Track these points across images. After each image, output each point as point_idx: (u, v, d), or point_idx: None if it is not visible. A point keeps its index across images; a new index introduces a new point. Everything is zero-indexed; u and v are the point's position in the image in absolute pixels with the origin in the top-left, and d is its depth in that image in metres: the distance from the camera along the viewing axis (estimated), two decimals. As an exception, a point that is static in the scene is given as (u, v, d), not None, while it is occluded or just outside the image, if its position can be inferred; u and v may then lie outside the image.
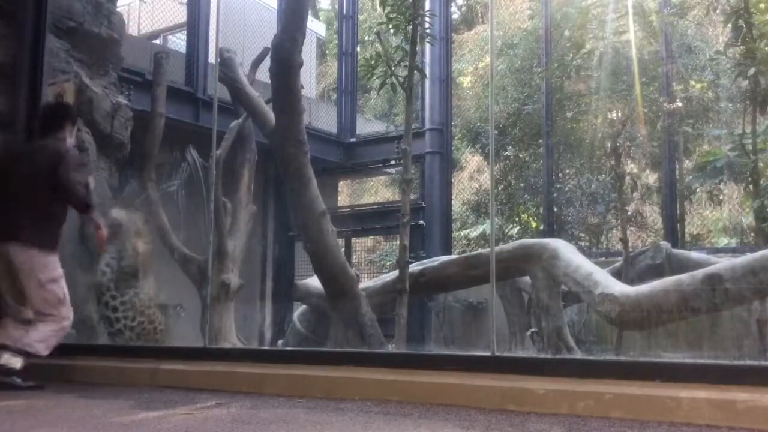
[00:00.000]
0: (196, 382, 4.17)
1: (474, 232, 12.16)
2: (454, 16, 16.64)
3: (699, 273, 5.69)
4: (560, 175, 10.76)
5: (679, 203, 9.54)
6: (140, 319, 6.46)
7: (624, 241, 7.93)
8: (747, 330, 6.23)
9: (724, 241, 10.01)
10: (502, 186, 11.09)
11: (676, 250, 7.57)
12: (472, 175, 13.46)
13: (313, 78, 14.29)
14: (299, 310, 8.22)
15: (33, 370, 4.42)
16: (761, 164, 7.11)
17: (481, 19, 16.17)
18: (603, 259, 8.44)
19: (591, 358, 5.12)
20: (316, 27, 15.15)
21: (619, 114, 8.52)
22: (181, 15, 10.93)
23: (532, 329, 6.95)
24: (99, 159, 6.32)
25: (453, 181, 11.94)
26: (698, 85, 9.64)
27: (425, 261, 8.07)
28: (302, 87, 6.86)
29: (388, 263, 11.96)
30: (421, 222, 10.61)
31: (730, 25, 7.03)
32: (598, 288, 5.96)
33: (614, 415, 2.93)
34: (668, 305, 5.65)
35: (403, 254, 6.44)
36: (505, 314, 7.64)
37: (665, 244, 7.51)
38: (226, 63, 7.72)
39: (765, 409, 2.68)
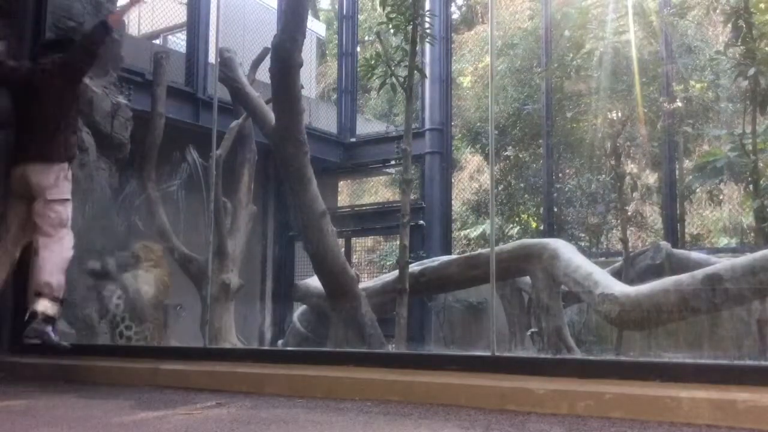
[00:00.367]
0: (196, 382, 4.17)
1: (474, 232, 12.16)
2: (454, 16, 16.65)
3: (699, 273, 5.68)
4: (560, 175, 10.75)
5: (679, 203, 9.54)
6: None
7: (624, 241, 7.93)
8: (747, 330, 6.23)
9: (724, 241, 10.01)
10: (502, 186, 11.09)
11: (676, 250, 7.57)
12: (472, 175, 13.46)
13: (313, 78, 14.29)
14: (299, 310, 8.22)
15: (33, 370, 4.44)
16: (761, 164, 7.11)
17: (481, 19, 16.18)
18: (603, 259, 8.44)
19: (591, 358, 5.12)
20: (316, 27, 15.15)
21: (619, 114, 8.52)
22: (181, 15, 10.93)
23: (532, 329, 6.95)
24: (99, 159, 6.32)
25: (453, 181, 11.93)
26: (698, 85, 9.64)
27: (425, 261, 8.06)
28: (302, 87, 6.86)
29: (388, 263, 11.96)
30: (421, 222, 10.61)
31: (730, 25, 7.03)
32: (598, 288, 5.96)
33: (614, 415, 2.93)
34: (668, 305, 5.65)
35: (403, 254, 6.44)
36: (505, 314, 7.64)
37: (665, 244, 7.51)
38: (226, 63, 7.72)
39: (765, 409, 2.68)
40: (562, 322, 6.59)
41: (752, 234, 8.69)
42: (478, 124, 11.97)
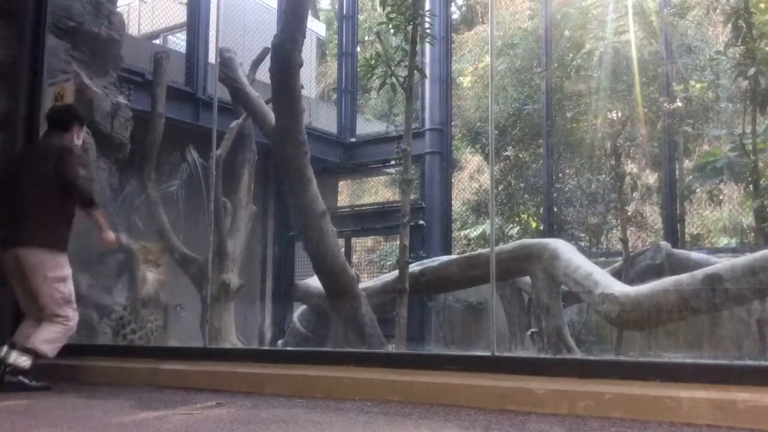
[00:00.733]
0: (196, 382, 4.17)
1: (474, 232, 12.15)
2: (454, 16, 16.65)
3: (699, 273, 5.69)
4: (560, 175, 10.75)
5: (679, 203, 9.54)
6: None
7: (624, 241, 7.93)
8: (747, 330, 6.23)
9: (724, 241, 10.00)
10: (502, 186, 11.08)
11: (676, 250, 7.57)
12: (472, 175, 13.45)
13: (313, 78, 14.28)
14: (299, 310, 8.22)
15: (32, 370, 4.42)
16: (761, 164, 7.11)
17: (481, 19, 16.17)
18: (603, 259, 8.43)
19: (591, 358, 5.12)
20: (316, 27, 15.14)
21: (619, 114, 8.51)
22: (181, 15, 10.93)
23: (532, 329, 6.95)
24: (99, 159, 6.32)
25: (453, 181, 11.93)
26: (698, 85, 9.63)
27: (425, 261, 8.07)
28: (302, 87, 6.86)
29: (388, 263, 11.95)
30: (421, 222, 10.61)
31: (730, 25, 7.03)
32: (598, 288, 5.96)
33: (614, 415, 2.93)
34: (668, 305, 5.65)
35: (403, 254, 6.44)
36: (505, 314, 7.64)
37: (665, 244, 7.51)
38: (226, 63, 7.72)
39: (765, 409, 2.68)
40: (562, 322, 6.59)
41: (752, 234, 8.69)
42: (478, 124, 11.97)
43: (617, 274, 6.94)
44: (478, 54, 14.55)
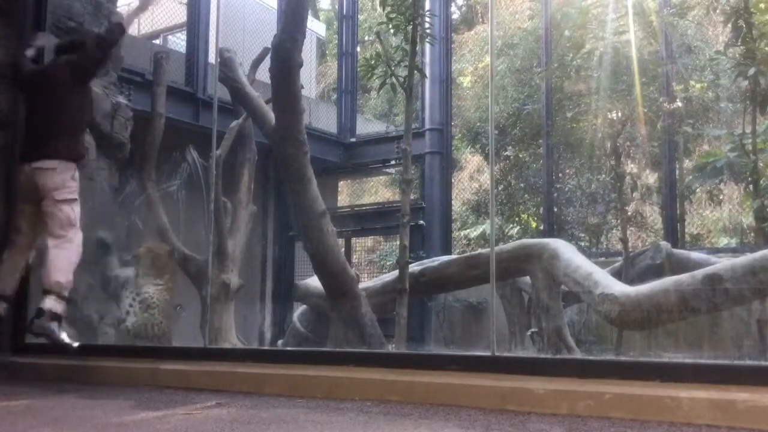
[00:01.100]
0: (196, 382, 4.17)
1: (474, 232, 12.16)
2: (454, 16, 16.66)
3: (699, 273, 5.68)
4: (560, 175, 10.76)
5: (679, 203, 9.54)
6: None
7: (624, 241, 7.93)
8: (747, 330, 6.24)
9: (724, 241, 10.01)
10: (502, 186, 11.09)
11: (676, 250, 7.57)
12: (472, 175, 13.46)
13: (313, 78, 14.29)
14: (299, 310, 8.22)
15: (33, 370, 4.43)
16: (761, 164, 7.11)
17: (481, 19, 16.18)
18: (603, 259, 8.44)
19: (591, 358, 5.12)
20: (316, 27, 15.15)
21: (619, 114, 8.51)
22: (181, 15, 10.93)
23: (532, 329, 6.95)
24: (99, 159, 6.32)
25: (453, 181, 11.94)
26: (698, 85, 9.63)
27: (425, 261, 8.06)
28: (302, 87, 6.86)
29: (388, 263, 11.96)
30: (421, 222, 10.61)
31: (730, 25, 7.03)
32: (598, 288, 5.96)
33: (614, 415, 2.93)
34: (668, 305, 5.65)
35: (403, 254, 6.44)
36: (505, 314, 7.64)
37: (665, 244, 7.51)
38: (226, 63, 7.72)
39: (765, 409, 2.68)
40: (562, 322, 6.59)
41: (752, 234, 8.69)
42: (478, 124, 11.97)
43: (617, 274, 6.94)
44: (478, 54, 14.56)
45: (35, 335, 4.17)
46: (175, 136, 8.27)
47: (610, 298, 5.82)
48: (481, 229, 11.93)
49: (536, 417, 3.01)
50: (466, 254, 8.94)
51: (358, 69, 11.84)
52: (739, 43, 6.93)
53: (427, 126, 11.15)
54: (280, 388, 3.87)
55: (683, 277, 5.82)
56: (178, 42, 11.41)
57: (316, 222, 6.61)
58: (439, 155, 11.12)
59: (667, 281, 5.94)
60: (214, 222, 7.09)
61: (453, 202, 11.70)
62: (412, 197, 7.89)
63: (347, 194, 14.58)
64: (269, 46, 6.69)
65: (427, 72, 10.14)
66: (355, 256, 12.14)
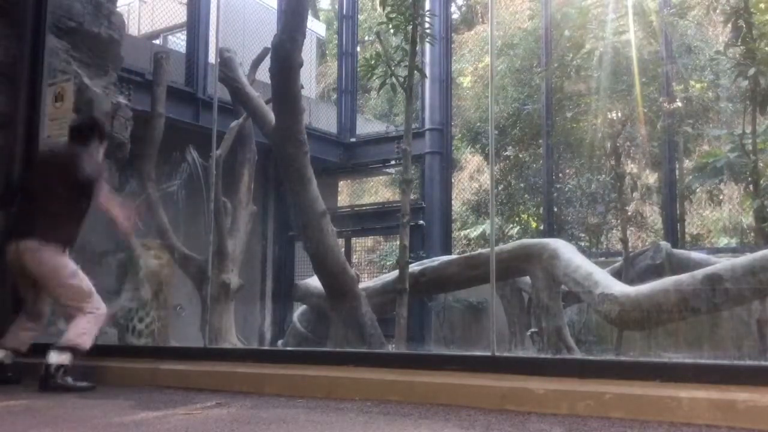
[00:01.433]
0: (196, 382, 4.17)
1: (474, 232, 12.16)
2: (454, 16, 16.66)
3: (699, 273, 5.68)
4: (560, 175, 10.75)
5: (679, 203, 9.54)
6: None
7: (624, 241, 7.92)
8: (747, 330, 6.24)
9: (724, 241, 10.01)
10: (502, 186, 11.09)
11: (676, 250, 7.57)
12: (472, 175, 13.46)
13: (313, 78, 14.29)
14: (299, 310, 8.22)
15: (33, 370, 4.42)
16: (761, 164, 7.11)
17: (481, 19, 16.19)
18: (603, 259, 8.43)
19: (591, 358, 5.11)
20: (316, 27, 15.15)
21: (619, 114, 8.51)
22: (181, 15, 10.93)
23: (532, 329, 6.94)
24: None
25: (453, 181, 11.94)
26: (698, 85, 9.63)
27: (425, 261, 8.06)
28: (302, 87, 6.86)
29: (388, 263, 11.96)
30: (421, 222, 10.61)
31: (730, 25, 7.03)
32: (598, 288, 5.96)
33: (614, 415, 2.93)
34: (668, 305, 5.65)
35: (403, 254, 6.44)
36: (505, 314, 7.64)
37: (665, 244, 7.51)
38: (226, 63, 7.72)
39: (765, 409, 2.68)
40: (562, 322, 6.59)
41: (752, 234, 8.69)
42: (478, 124, 11.98)
43: (617, 274, 6.94)
44: (478, 54, 14.56)
45: (53, 391, 4.12)
46: (175, 136, 8.28)
47: (610, 298, 5.82)
48: (481, 229, 11.93)
49: (536, 417, 3.01)
50: (466, 254, 8.94)
51: (358, 69, 11.84)
52: (739, 43, 6.93)
53: (427, 126, 11.16)
54: (280, 388, 3.87)
55: (683, 277, 5.82)
56: (178, 42, 11.42)
57: (316, 222, 6.61)
58: (439, 155, 11.12)
59: (667, 281, 5.94)
60: (214, 222, 7.09)
61: (453, 202, 11.69)
62: (412, 197, 7.89)
63: (347, 194, 14.58)
64: (269, 46, 6.70)
65: (427, 72, 10.14)
66: (355, 256, 12.14)
